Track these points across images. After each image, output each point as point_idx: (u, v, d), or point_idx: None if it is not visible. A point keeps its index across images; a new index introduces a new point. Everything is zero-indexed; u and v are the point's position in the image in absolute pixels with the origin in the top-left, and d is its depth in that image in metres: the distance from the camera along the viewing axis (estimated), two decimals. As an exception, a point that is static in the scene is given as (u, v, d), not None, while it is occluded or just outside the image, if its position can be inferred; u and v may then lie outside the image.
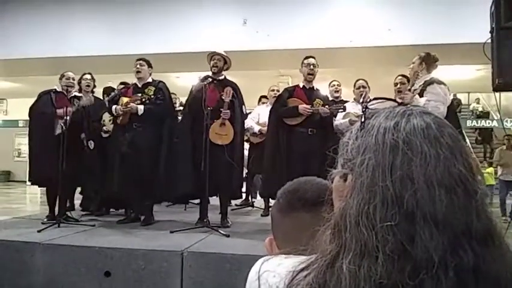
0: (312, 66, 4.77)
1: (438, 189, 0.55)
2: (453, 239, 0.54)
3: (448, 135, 0.59)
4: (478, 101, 16.37)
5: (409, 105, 0.64)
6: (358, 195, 0.58)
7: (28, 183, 13.50)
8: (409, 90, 4.19)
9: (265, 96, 6.90)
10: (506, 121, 14.19)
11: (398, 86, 4.76)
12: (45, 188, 5.20)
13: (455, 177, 0.56)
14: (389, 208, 0.55)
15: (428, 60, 4.17)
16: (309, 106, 4.59)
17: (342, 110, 4.60)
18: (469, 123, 15.57)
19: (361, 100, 4.96)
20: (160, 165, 4.76)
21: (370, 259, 0.54)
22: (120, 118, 4.83)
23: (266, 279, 0.76)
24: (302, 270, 0.64)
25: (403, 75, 4.80)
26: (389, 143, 0.58)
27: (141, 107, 4.73)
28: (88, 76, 5.64)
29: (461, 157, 0.58)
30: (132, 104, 4.71)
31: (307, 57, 4.85)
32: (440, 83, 4.05)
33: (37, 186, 5.35)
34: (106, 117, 5.30)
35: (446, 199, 0.55)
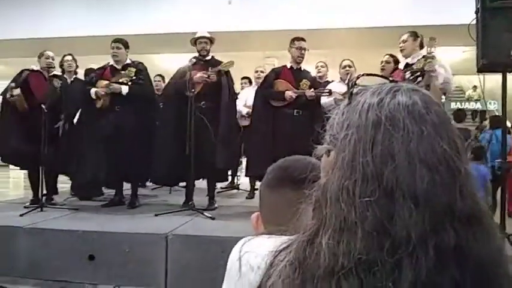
0: (302, 51, 4.69)
1: (419, 166, 0.54)
2: (434, 218, 0.53)
3: (434, 113, 0.58)
4: (475, 88, 16.19)
5: (398, 82, 0.62)
6: (339, 170, 0.58)
7: (11, 166, 13.30)
8: (399, 68, 4.14)
9: (247, 77, 6.83)
10: (490, 103, 14.33)
11: (383, 64, 4.78)
12: (27, 172, 5.12)
13: (438, 155, 0.55)
14: (369, 184, 0.54)
15: (420, 36, 4.17)
16: (294, 93, 4.54)
17: (327, 95, 4.56)
18: (453, 105, 15.71)
19: (346, 80, 4.95)
20: (144, 148, 4.70)
21: (350, 235, 0.54)
22: (101, 101, 4.72)
23: (247, 260, 0.75)
24: (284, 249, 0.64)
25: (391, 55, 4.82)
26: (372, 119, 0.57)
27: (125, 87, 4.65)
28: (69, 57, 5.54)
29: (446, 136, 0.57)
30: (114, 85, 4.62)
31: (298, 39, 4.74)
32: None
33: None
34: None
35: (428, 177, 0.53)
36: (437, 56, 3.93)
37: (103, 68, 5.00)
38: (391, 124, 0.56)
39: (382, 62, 4.82)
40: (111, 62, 4.92)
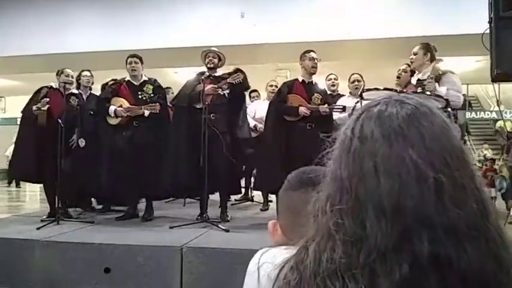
0: (316, 60, 4.71)
1: (385, 178, 0.55)
2: (404, 228, 0.54)
3: (415, 125, 0.58)
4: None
5: (393, 95, 0.64)
6: (327, 182, 0.63)
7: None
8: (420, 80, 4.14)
9: (255, 90, 6.84)
10: (506, 112, 14.19)
11: (400, 72, 4.75)
12: (42, 186, 5.21)
13: (408, 166, 0.55)
14: (344, 195, 0.58)
15: (431, 50, 4.14)
16: (308, 110, 4.55)
17: (341, 111, 4.55)
18: (467, 114, 15.54)
19: (358, 93, 4.95)
20: (160, 163, 4.74)
21: (333, 240, 0.57)
22: (118, 120, 4.79)
23: (265, 270, 0.77)
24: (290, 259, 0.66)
25: (409, 65, 4.79)
26: (348, 134, 0.61)
27: (147, 111, 4.70)
28: (87, 73, 5.62)
29: (421, 145, 0.56)
30: (137, 110, 4.69)
31: (308, 51, 4.77)
32: (452, 72, 4.03)
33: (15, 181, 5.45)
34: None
35: (395, 187, 0.55)
36: (449, 68, 3.94)
37: (119, 83, 5.04)
38: (361, 136, 0.59)
39: (399, 70, 4.80)
40: (127, 77, 4.98)
